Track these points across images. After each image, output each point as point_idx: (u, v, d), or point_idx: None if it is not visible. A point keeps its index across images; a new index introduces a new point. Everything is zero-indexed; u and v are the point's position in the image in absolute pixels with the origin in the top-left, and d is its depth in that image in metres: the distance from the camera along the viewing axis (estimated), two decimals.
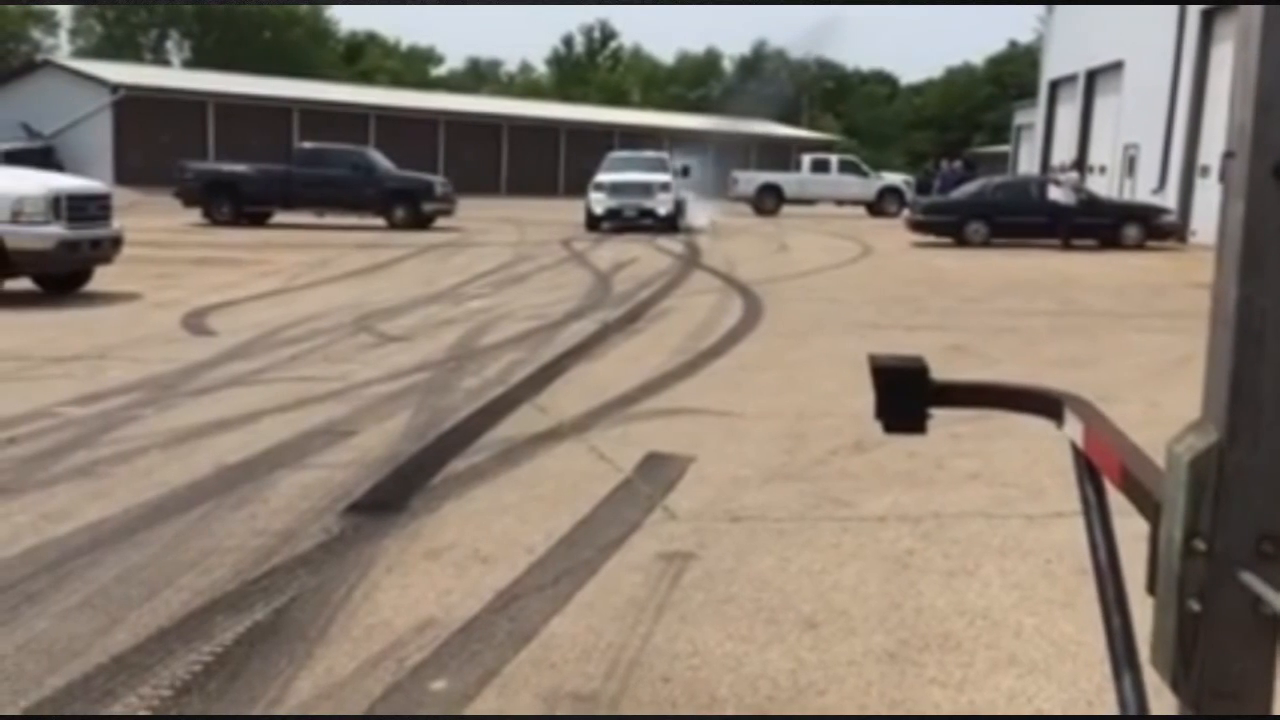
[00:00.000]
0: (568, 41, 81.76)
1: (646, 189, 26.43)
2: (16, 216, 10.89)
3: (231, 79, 44.88)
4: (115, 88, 39.85)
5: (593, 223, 25.99)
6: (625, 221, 25.83)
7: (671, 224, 25.94)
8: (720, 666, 3.42)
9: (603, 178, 27.03)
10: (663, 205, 26.20)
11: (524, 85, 77.62)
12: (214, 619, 3.67)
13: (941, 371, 1.80)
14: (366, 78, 62.36)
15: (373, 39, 74.38)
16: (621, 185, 26.57)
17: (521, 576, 4.09)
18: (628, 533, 4.59)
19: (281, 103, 42.88)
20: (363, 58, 70.47)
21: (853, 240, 23.87)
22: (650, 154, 30.33)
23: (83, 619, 3.66)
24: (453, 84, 72.00)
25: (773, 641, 3.59)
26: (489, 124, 48.75)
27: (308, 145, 28.78)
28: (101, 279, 12.11)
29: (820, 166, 38.42)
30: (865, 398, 1.83)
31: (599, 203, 26.23)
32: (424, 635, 3.57)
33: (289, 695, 3.20)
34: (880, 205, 36.99)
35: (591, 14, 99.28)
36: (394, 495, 5.07)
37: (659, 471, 5.50)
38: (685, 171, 29.14)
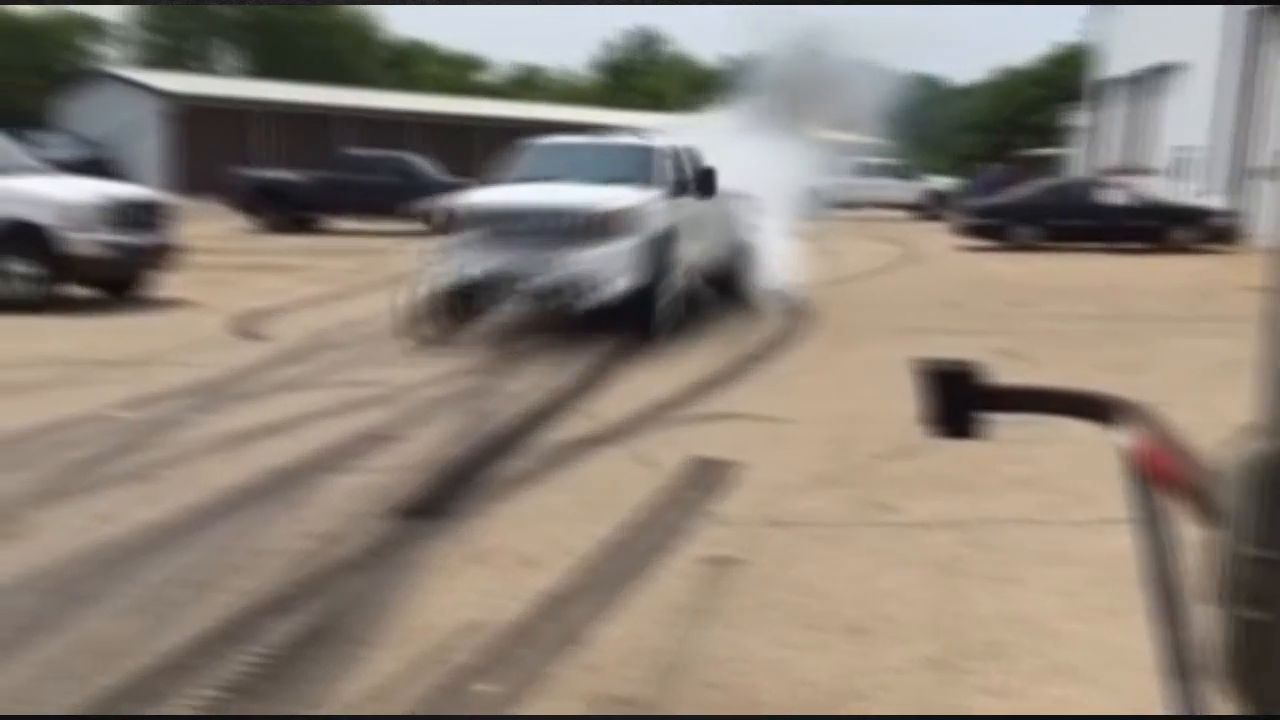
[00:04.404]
0: (609, 47, 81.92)
1: (568, 229, 9.53)
2: (67, 223, 11.06)
3: (277, 87, 45.37)
4: (164, 95, 40.41)
5: (422, 315, 9.60)
6: (514, 307, 10.02)
7: (642, 314, 9.67)
8: (764, 672, 3.40)
9: (475, 198, 10.33)
10: (612, 269, 9.49)
11: (565, 91, 77.86)
12: (261, 621, 3.70)
13: (990, 376, 1.78)
14: (410, 84, 62.77)
15: (417, 46, 74.85)
16: (508, 215, 9.81)
17: (566, 580, 4.09)
18: (672, 537, 4.59)
19: (326, 110, 43.28)
20: (407, 65, 70.95)
21: (896, 244, 23.72)
22: (626, 141, 12.05)
23: (131, 620, 3.71)
24: (496, 90, 72.31)
25: (817, 647, 3.57)
26: (529, 128, 48.81)
27: (353, 151, 29.05)
28: (152, 285, 12.25)
29: (863, 170, 38.19)
30: (911, 403, 1.81)
31: (443, 276, 9.72)
32: (468, 638, 3.58)
33: (334, 697, 3.22)
34: (924, 208, 36.74)
35: (632, 19, 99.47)
36: (439, 499, 5.09)
37: (704, 476, 5.48)
38: (705, 180, 11.14)
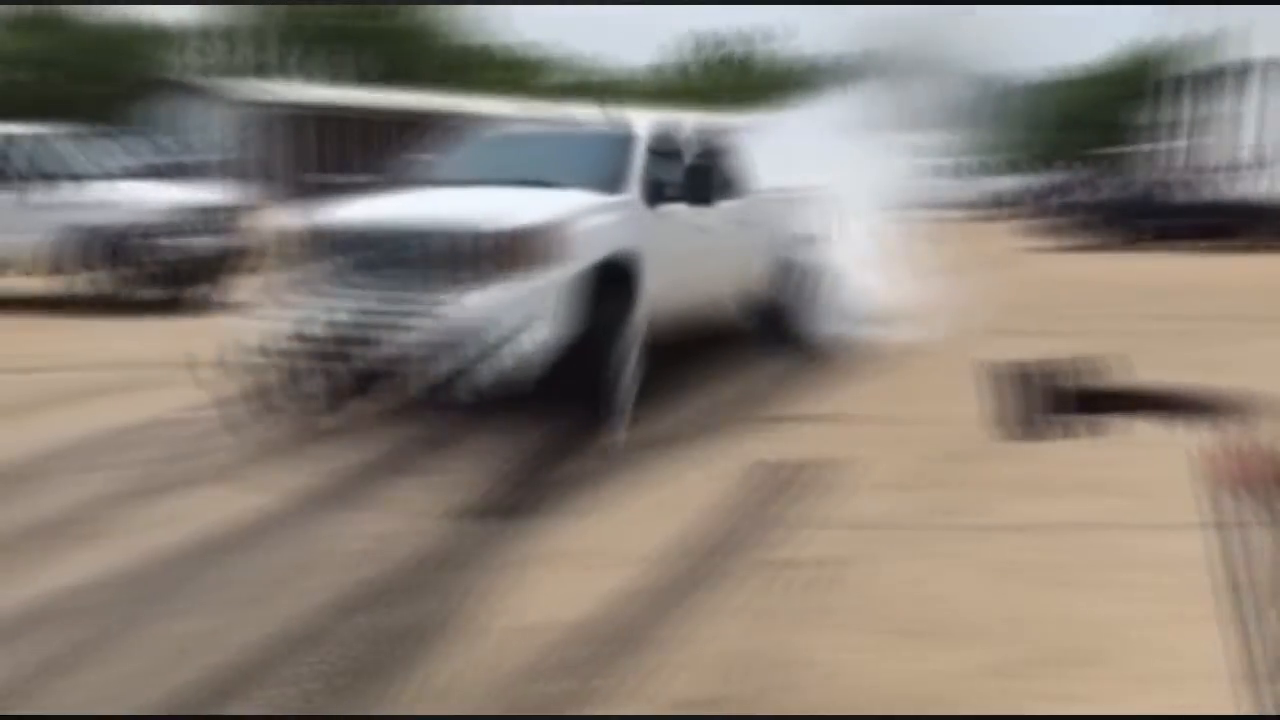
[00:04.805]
0: (676, 50, 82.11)
1: (453, 258, 6.12)
2: (138, 227, 11.30)
3: (351, 92, 46.08)
4: (238, 103, 41.18)
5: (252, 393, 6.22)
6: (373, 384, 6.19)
7: (584, 387, 6.32)
8: (831, 676, 3.38)
9: (332, 214, 6.74)
10: (518, 317, 5.94)
11: (634, 92, 77.99)
12: (328, 621, 3.75)
13: (1070, 376, 1.75)
14: (477, 88, 63.31)
15: (477, 51, 75.30)
16: (372, 238, 6.44)
17: (634, 582, 4.12)
18: (742, 540, 4.59)
19: (396, 114, 43.84)
20: (465, 70, 71.47)
21: (960, 245, 23.41)
22: (592, 129, 8.38)
23: (203, 619, 3.78)
24: (567, 92, 72.56)
25: (886, 651, 3.56)
26: None
27: (412, 156, 29.51)
28: (224, 287, 12.46)
29: (928, 170, 37.65)
30: (986, 406, 1.79)
31: (275, 332, 6.24)
32: (534, 639, 3.61)
33: (396, 695, 3.27)
34: (992, 208, 36.27)
35: (703, 21, 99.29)
36: (509, 500, 5.11)
37: (775, 479, 5.48)
38: (698, 179, 7.75)
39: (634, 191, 7.17)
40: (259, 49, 64.80)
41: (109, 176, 12.33)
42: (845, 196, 10.37)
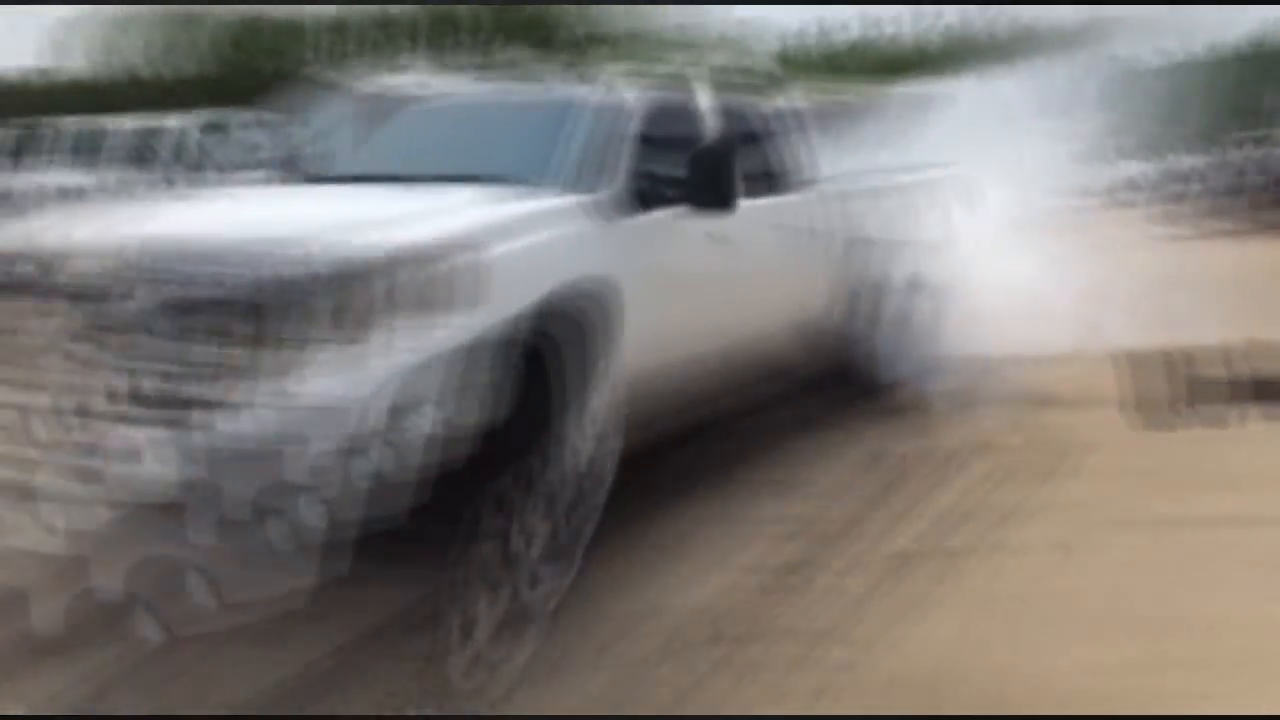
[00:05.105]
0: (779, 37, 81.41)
1: (254, 309, 3.09)
2: None
3: (465, 84, 46.76)
4: (367, 95, 42.17)
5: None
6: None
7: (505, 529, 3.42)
8: (965, 672, 3.30)
9: (71, 230, 3.68)
10: (347, 420, 3.02)
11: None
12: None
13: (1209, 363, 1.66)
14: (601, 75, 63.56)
15: (607, 38, 75.61)
16: (127, 274, 3.24)
17: (748, 570, 4.07)
18: (882, 526, 4.53)
19: None
20: (597, 57, 71.78)
21: (1095, 233, 22.65)
22: (534, 97, 5.74)
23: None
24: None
25: (1023, 644, 3.45)
26: None
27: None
28: None
29: (1059, 157, 36.62)
30: (1129, 396, 1.71)
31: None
32: (641, 626, 3.60)
33: (507, 676, 3.27)
34: (1128, 193, 35.07)
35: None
36: (624, 484, 5.08)
37: (894, 466, 5.38)
38: (710, 171, 4.73)
39: (613, 189, 4.62)
40: (389, 42, 66.23)
41: (242, 167, 12.74)
42: (969, 187, 8.10)
